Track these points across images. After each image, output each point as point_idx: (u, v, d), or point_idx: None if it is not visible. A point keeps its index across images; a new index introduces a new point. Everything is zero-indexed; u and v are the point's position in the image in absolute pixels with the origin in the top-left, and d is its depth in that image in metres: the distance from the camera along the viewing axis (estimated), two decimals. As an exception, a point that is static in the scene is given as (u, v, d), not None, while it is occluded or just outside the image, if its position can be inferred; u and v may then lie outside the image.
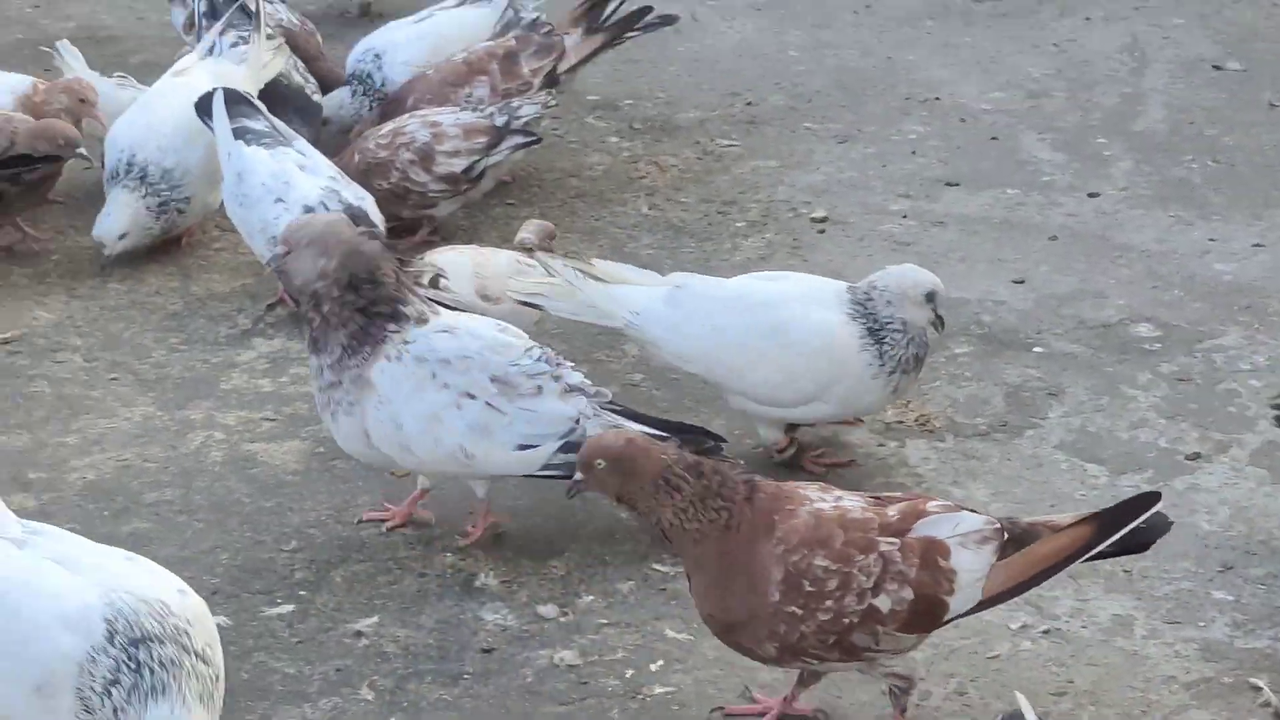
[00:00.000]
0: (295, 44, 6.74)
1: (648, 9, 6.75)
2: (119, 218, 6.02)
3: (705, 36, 7.77)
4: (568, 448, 4.58)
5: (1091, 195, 6.49)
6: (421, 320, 4.67)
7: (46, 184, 6.13)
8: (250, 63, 6.34)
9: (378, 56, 6.76)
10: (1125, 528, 4.00)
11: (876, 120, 7.06)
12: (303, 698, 4.28)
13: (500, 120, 6.25)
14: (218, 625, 4.37)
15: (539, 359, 4.70)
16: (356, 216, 5.73)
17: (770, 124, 7.04)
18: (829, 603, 3.94)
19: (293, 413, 5.36)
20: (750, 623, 3.96)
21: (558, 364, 4.73)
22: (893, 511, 4.02)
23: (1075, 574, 4.59)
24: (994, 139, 6.92)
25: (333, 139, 6.54)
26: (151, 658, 3.41)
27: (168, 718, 3.39)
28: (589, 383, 4.74)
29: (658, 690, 4.29)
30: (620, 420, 4.67)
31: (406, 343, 4.64)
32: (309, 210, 5.66)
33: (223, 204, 6.00)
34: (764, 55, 7.62)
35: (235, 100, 5.98)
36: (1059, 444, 5.16)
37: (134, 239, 6.06)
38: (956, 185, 6.59)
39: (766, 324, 4.95)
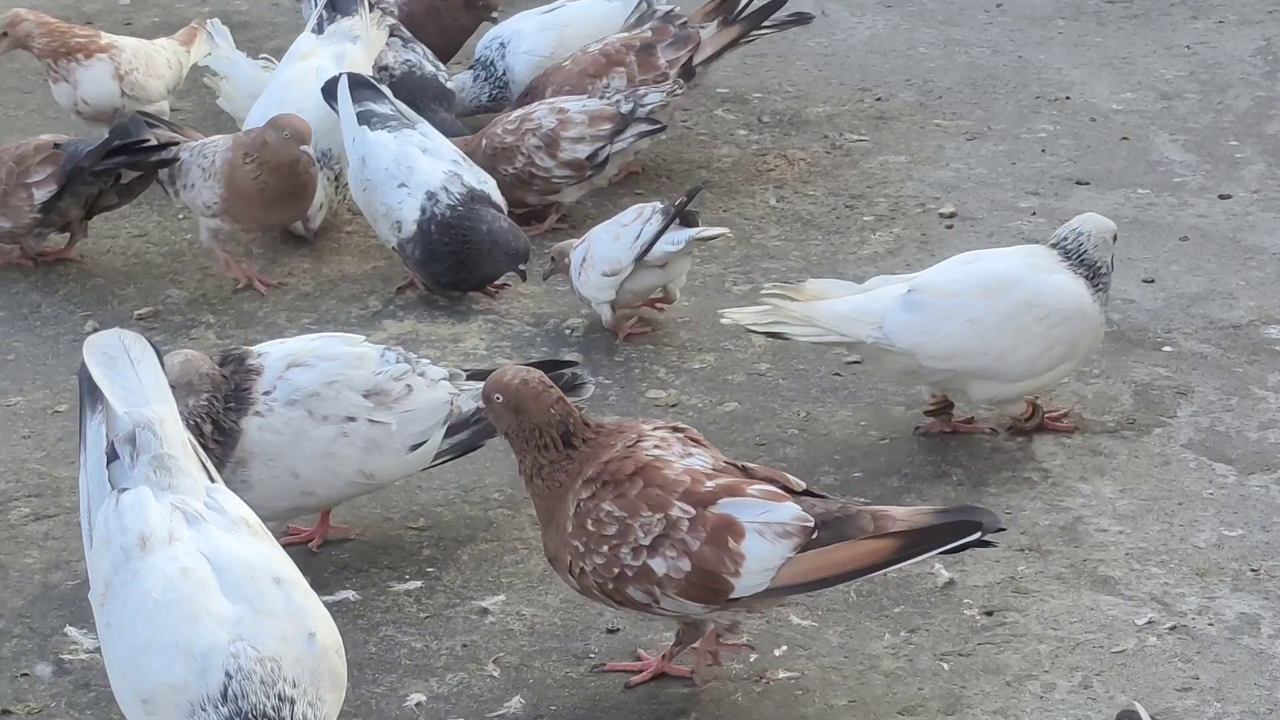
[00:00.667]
0: None
1: (782, 1, 6.77)
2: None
3: (835, 32, 7.77)
4: (450, 430, 4.63)
5: (1223, 197, 6.45)
6: (257, 371, 4.57)
7: (140, 185, 6.17)
8: (364, 40, 6.41)
9: (502, 45, 6.81)
10: (930, 551, 4.03)
11: (1007, 118, 7.04)
12: (429, 672, 4.32)
13: (626, 108, 6.29)
14: (345, 600, 4.50)
15: (396, 359, 4.65)
16: (480, 199, 5.79)
17: (900, 120, 7.04)
18: (605, 548, 4.04)
19: (422, 393, 5.40)
20: (557, 555, 4.12)
21: (408, 355, 4.69)
22: (714, 484, 4.04)
23: (1201, 571, 4.58)
24: (1125, 139, 6.89)
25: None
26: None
27: None
28: (441, 367, 4.73)
29: (781, 675, 4.30)
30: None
31: (268, 394, 4.53)
32: (431, 195, 5.74)
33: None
34: (894, 52, 7.61)
35: (359, 85, 6.04)
36: (1187, 443, 5.13)
37: (327, 210, 6.19)
38: (1086, 184, 6.57)
39: (1017, 302, 5.01)
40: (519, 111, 6.37)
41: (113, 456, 3.72)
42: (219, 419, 4.48)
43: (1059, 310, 5.01)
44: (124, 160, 5.99)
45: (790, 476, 4.17)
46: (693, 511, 4.02)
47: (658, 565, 4.02)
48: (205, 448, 4.36)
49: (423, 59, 6.63)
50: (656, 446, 4.13)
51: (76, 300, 5.89)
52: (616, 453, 4.11)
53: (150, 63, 6.60)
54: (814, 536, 4.01)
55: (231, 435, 4.49)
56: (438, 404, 4.62)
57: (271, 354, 4.59)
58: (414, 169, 5.83)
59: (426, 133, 5.99)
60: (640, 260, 5.55)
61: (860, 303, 5.03)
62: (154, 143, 5.93)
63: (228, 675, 3.44)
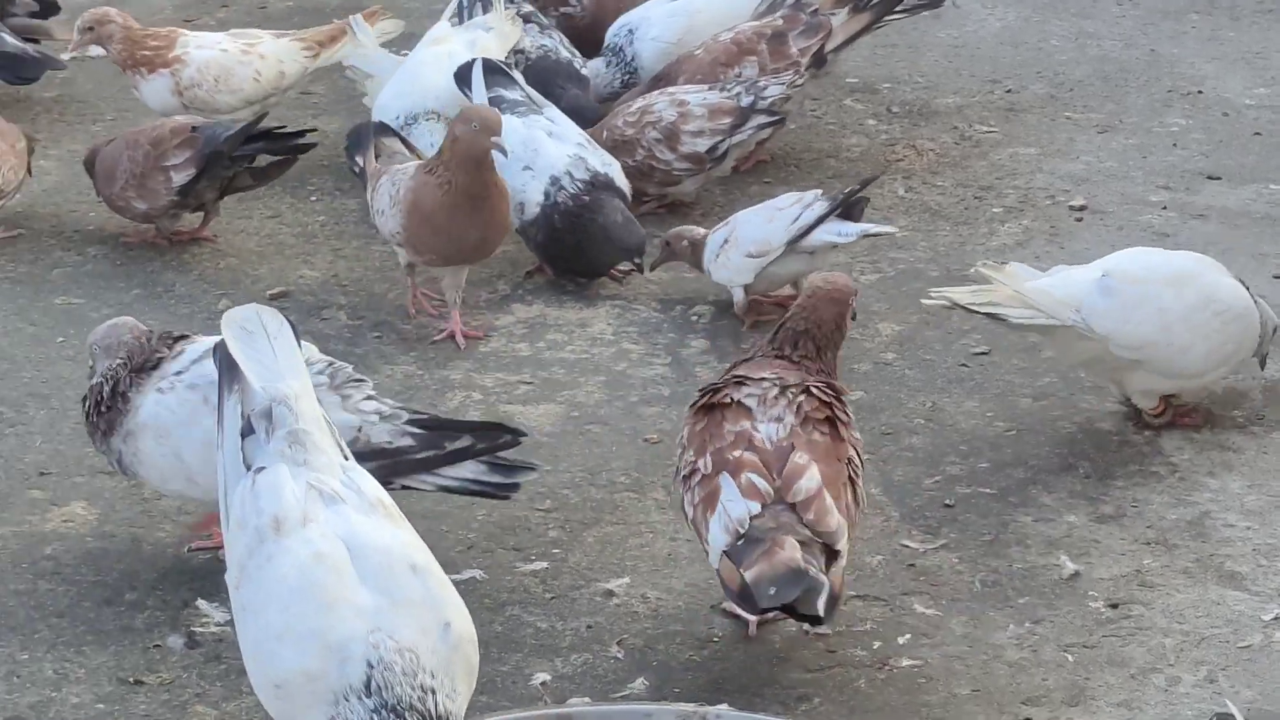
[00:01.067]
0: None
1: None
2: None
3: (966, 23, 7.74)
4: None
5: (1357, 193, 6.41)
6: (179, 352, 4.56)
7: (276, 169, 6.23)
8: (498, 29, 6.45)
9: (630, 32, 6.84)
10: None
11: (1138, 111, 7.00)
12: (554, 652, 4.36)
13: (746, 101, 6.29)
14: (473, 579, 4.55)
15: (320, 371, 4.50)
16: (603, 183, 5.82)
17: (1030, 112, 7.01)
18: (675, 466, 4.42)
19: (549, 377, 5.45)
20: None
21: (347, 379, 4.55)
22: (738, 454, 4.19)
23: (1331, 569, 4.56)
24: (1258, 134, 6.83)
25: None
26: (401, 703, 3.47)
27: None
28: (381, 402, 4.58)
29: (905, 663, 4.31)
30: (416, 431, 4.54)
31: (179, 373, 4.50)
32: (555, 180, 5.79)
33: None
34: (1025, 44, 7.58)
35: (492, 70, 6.08)
36: (1317, 440, 5.11)
37: None
38: (1218, 179, 6.52)
39: (1199, 296, 5.03)
40: (639, 103, 6.38)
41: (248, 431, 3.75)
42: (120, 384, 4.51)
43: (1234, 308, 5.03)
44: (263, 146, 6.06)
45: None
46: (709, 470, 4.18)
47: (686, 502, 4.25)
48: (99, 411, 4.53)
49: (558, 45, 6.66)
50: (753, 396, 4.26)
51: (210, 280, 5.97)
52: (726, 382, 4.33)
53: (225, 76, 6.53)
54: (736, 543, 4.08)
55: (128, 404, 4.51)
56: (342, 425, 4.35)
57: (205, 343, 4.54)
58: (539, 152, 5.86)
59: (554, 117, 6.02)
60: (793, 244, 5.55)
61: (1058, 285, 5.02)
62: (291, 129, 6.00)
63: (369, 666, 3.46)
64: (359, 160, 5.90)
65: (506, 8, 6.57)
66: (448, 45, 6.41)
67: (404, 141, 6.00)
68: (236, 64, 6.55)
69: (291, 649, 3.52)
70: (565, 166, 5.84)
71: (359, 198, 6.33)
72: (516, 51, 6.58)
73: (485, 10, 6.59)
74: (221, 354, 3.90)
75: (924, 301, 5.18)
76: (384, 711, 3.45)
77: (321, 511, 3.65)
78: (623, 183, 5.93)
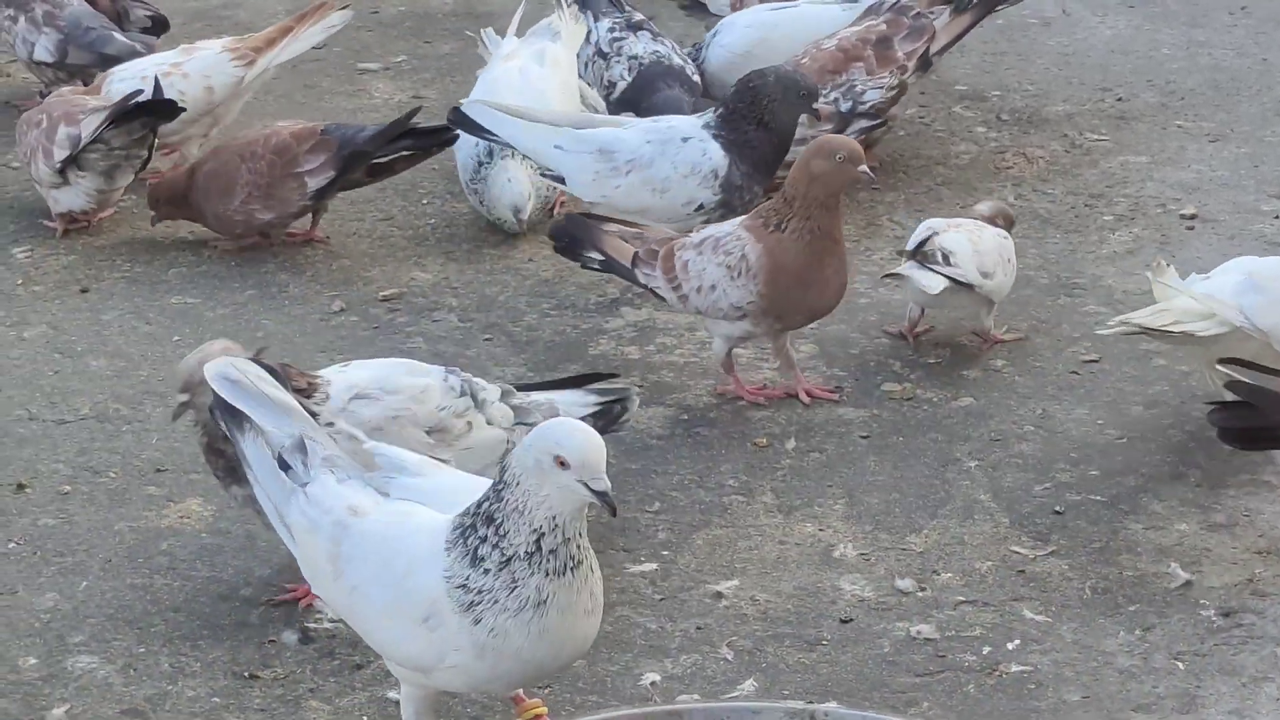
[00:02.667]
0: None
1: None
2: (522, 182, 6.13)
3: (1076, 31, 7.72)
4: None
5: None
6: (322, 398, 4.47)
7: (402, 164, 6.27)
8: (564, 36, 6.46)
9: (715, 33, 6.88)
10: None
11: (1250, 120, 6.96)
12: (664, 653, 4.38)
13: (845, 106, 6.30)
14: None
15: (459, 391, 4.51)
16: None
17: (1141, 120, 6.99)
18: None
19: (658, 380, 5.47)
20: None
21: (471, 383, 4.56)
22: None
23: None
24: (1371, 144, 6.80)
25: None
26: (481, 500, 3.60)
27: (519, 448, 3.57)
28: (497, 386, 4.60)
29: (1014, 669, 4.31)
30: (538, 396, 4.67)
31: (328, 425, 4.31)
32: (709, 127, 5.75)
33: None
34: (1135, 52, 7.55)
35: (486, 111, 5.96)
36: None
37: (536, 201, 6.20)
38: (1331, 189, 6.50)
39: None
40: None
41: (285, 466, 3.83)
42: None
43: None
44: (410, 144, 6.12)
45: None
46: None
47: None
48: (218, 453, 4.45)
49: (671, 52, 6.68)
50: None
51: (323, 281, 6.02)
52: None
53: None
54: None
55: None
56: (495, 442, 4.51)
57: (335, 383, 4.50)
58: (673, 124, 5.83)
59: (622, 120, 6.01)
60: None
61: (1213, 289, 5.04)
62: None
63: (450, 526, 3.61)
64: (594, 254, 5.46)
65: (568, 6, 6.58)
66: (517, 61, 6.43)
67: (615, 220, 5.55)
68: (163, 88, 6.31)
69: (416, 573, 3.60)
70: (699, 118, 5.83)
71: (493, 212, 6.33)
72: (631, 57, 6.62)
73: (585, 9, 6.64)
74: (219, 404, 3.92)
75: (1103, 332, 5.18)
76: (461, 526, 3.60)
77: (383, 500, 3.76)
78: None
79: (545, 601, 3.53)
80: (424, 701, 3.77)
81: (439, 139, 6.15)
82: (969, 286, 5.36)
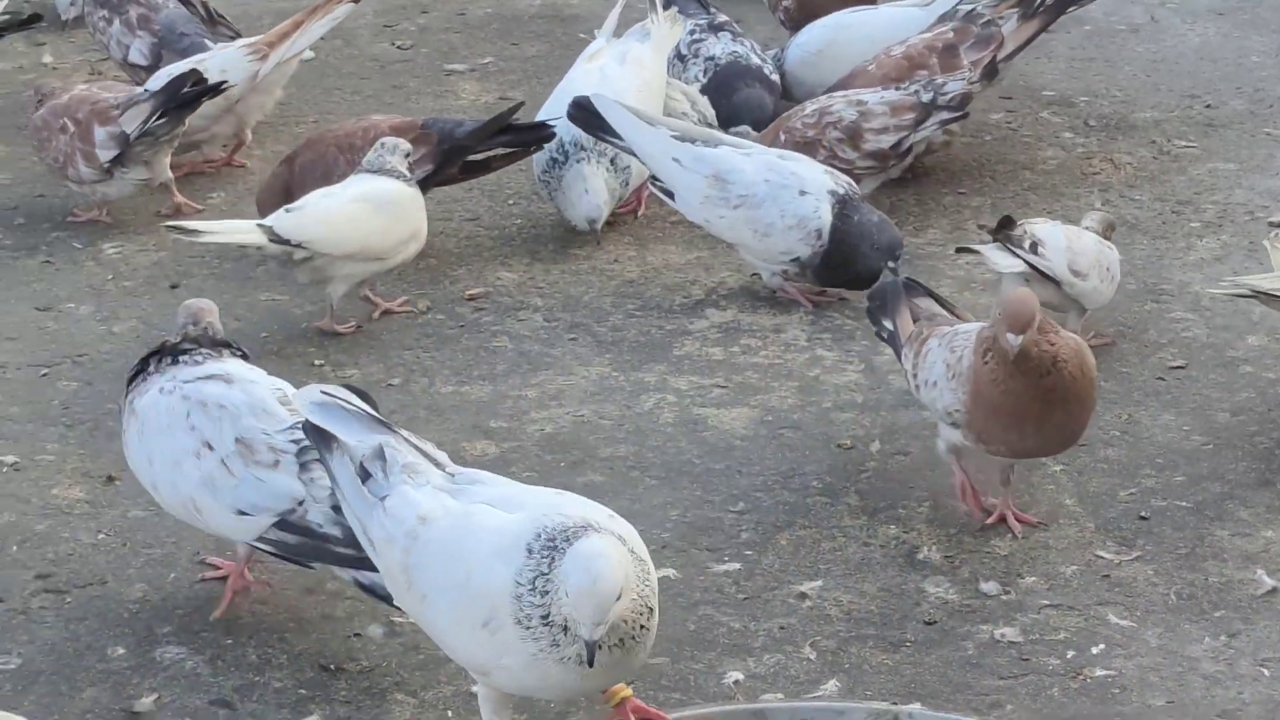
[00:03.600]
0: None
1: None
2: (598, 190, 6.14)
3: (1164, 38, 7.69)
4: (284, 525, 4.33)
5: None
6: (203, 360, 4.55)
7: (497, 164, 6.34)
8: (654, 38, 6.47)
9: (796, 35, 6.92)
10: None
11: (1341, 128, 6.94)
12: (747, 652, 4.39)
13: (926, 97, 6.30)
14: (666, 577, 4.59)
15: (293, 440, 4.34)
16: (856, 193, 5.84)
17: (1230, 127, 6.95)
18: None
19: (742, 381, 5.48)
20: None
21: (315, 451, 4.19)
22: None
23: None
24: None
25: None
26: (570, 534, 3.62)
27: (578, 545, 3.58)
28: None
29: (1099, 673, 4.30)
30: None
31: (185, 382, 4.47)
32: (833, 193, 5.77)
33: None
34: (1224, 59, 7.51)
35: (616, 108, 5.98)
36: None
37: (610, 206, 6.22)
38: None
39: None
40: (814, 105, 6.38)
41: (365, 476, 3.88)
42: (148, 365, 4.58)
43: None
44: (509, 139, 6.17)
45: None
46: None
47: None
48: (131, 376, 4.61)
49: (750, 52, 6.71)
50: None
51: (410, 279, 6.05)
52: None
53: None
54: None
55: (140, 386, 4.57)
56: (281, 494, 4.34)
57: (230, 366, 4.55)
58: (801, 175, 5.82)
59: (741, 143, 6.00)
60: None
61: None
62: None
63: (535, 535, 3.63)
64: (887, 324, 5.04)
65: (664, 7, 6.59)
66: (599, 61, 6.44)
67: (938, 299, 5.10)
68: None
69: (479, 582, 3.64)
70: (832, 181, 5.82)
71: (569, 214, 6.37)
72: (707, 59, 6.63)
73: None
74: (309, 427, 4.00)
75: (1213, 291, 5.20)
76: (549, 544, 3.61)
77: (454, 501, 3.80)
78: (856, 188, 5.93)
79: (585, 661, 3.60)
80: (500, 699, 3.81)
81: (536, 136, 6.18)
82: (1055, 282, 5.34)
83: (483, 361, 5.62)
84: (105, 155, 6.27)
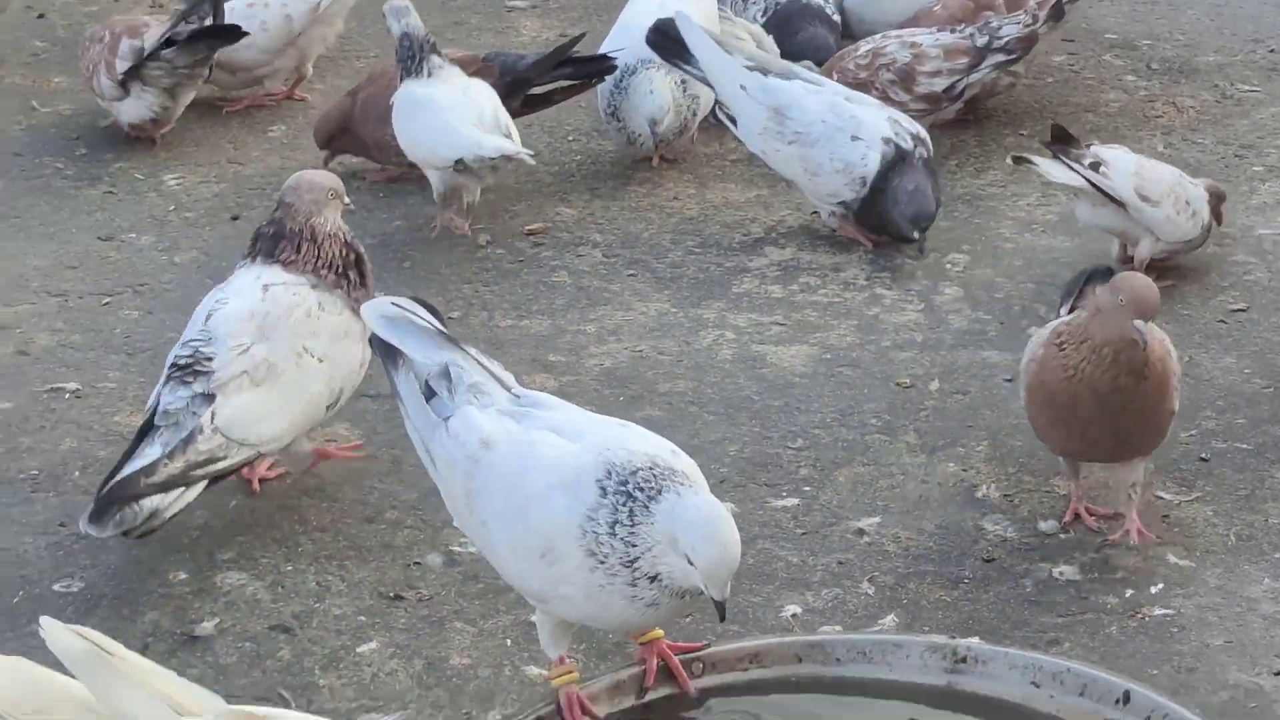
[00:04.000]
0: None
1: None
2: (663, 94, 6.11)
3: (1228, -18, 7.65)
4: None
5: None
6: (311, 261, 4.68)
7: (559, 97, 6.35)
8: None
9: None
10: None
11: (1406, 73, 6.88)
12: (805, 586, 4.40)
13: (981, 40, 6.27)
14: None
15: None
16: (920, 141, 5.78)
17: (1293, 71, 6.92)
18: None
19: (801, 319, 5.47)
20: None
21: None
22: None
23: None
24: None
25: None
26: (641, 480, 3.57)
27: (675, 504, 3.54)
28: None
29: (1157, 612, 4.29)
30: None
31: (296, 282, 4.66)
32: (888, 142, 5.72)
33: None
34: (1289, 4, 7.48)
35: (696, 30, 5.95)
36: None
37: (674, 117, 6.18)
38: None
39: None
40: (868, 45, 6.36)
41: (430, 395, 3.85)
42: (265, 238, 4.66)
43: None
44: (571, 72, 6.18)
45: None
46: None
47: None
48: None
49: (810, -13, 6.69)
50: None
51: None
52: None
53: None
54: None
55: (261, 268, 4.66)
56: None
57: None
58: (859, 119, 5.78)
59: (815, 77, 5.96)
60: None
61: None
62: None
63: (606, 473, 3.59)
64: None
65: None
66: None
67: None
68: (242, 19, 6.48)
69: (537, 512, 3.62)
70: (891, 130, 5.76)
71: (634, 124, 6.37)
72: (769, -3, 6.62)
73: None
74: (376, 342, 3.98)
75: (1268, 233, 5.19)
76: (623, 487, 3.56)
77: (517, 426, 3.76)
78: (928, 139, 5.84)
79: (657, 604, 3.58)
80: (559, 627, 3.80)
81: (597, 68, 6.19)
82: (1120, 205, 5.31)
83: (542, 296, 5.63)
84: (121, 67, 6.32)
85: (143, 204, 6.19)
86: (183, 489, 4.36)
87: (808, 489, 4.74)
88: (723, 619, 3.59)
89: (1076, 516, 4.57)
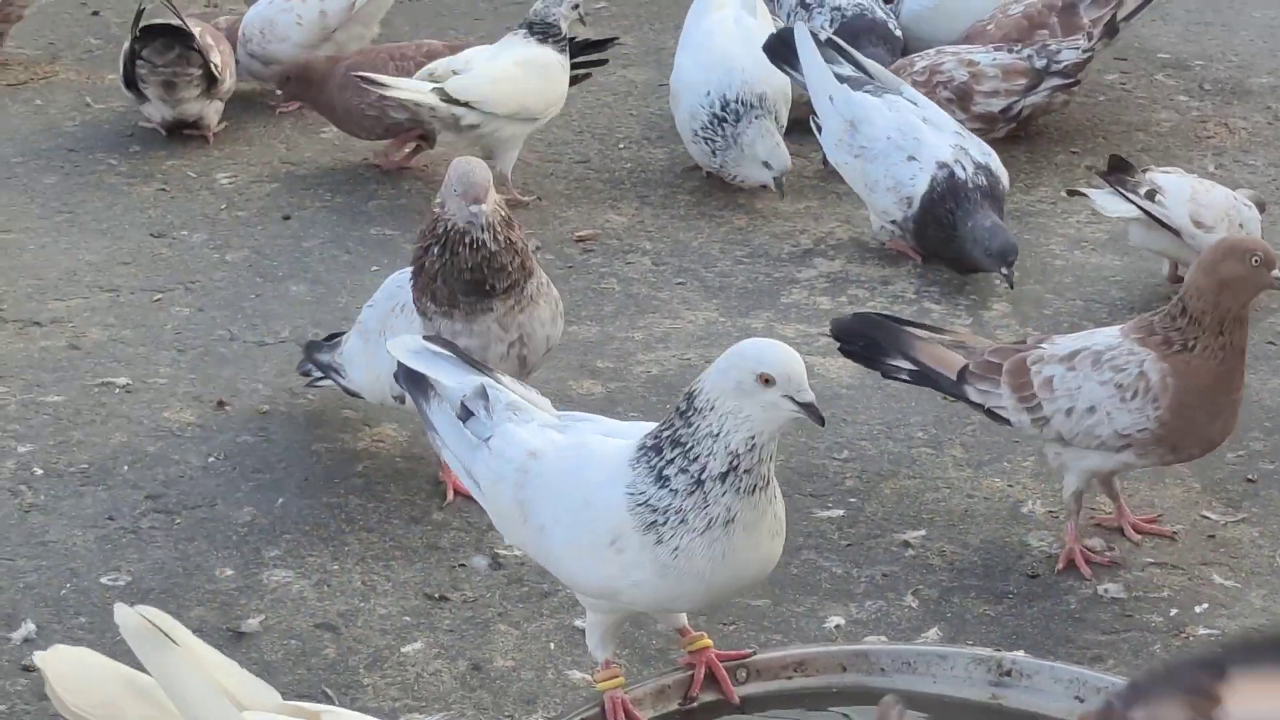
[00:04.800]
0: None
1: None
2: (781, 144, 6.13)
3: (1282, 4, 7.65)
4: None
5: None
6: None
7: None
8: None
9: None
10: None
11: None
12: (849, 597, 4.40)
13: (1040, 63, 6.27)
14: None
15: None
16: (985, 170, 5.75)
17: (1347, 94, 6.91)
18: None
19: (849, 331, 5.48)
20: None
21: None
22: None
23: None
24: None
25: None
26: (662, 429, 3.62)
27: (723, 361, 3.57)
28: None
29: (1201, 631, 4.28)
30: None
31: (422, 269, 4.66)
32: (942, 166, 5.69)
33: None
34: (1343, 27, 7.46)
35: (814, 41, 5.95)
36: None
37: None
38: None
39: None
40: (924, 62, 6.37)
41: (467, 415, 3.85)
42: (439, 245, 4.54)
43: None
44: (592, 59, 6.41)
45: None
46: None
47: None
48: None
49: (874, 4, 6.69)
50: None
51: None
52: None
53: (269, 26, 6.81)
54: None
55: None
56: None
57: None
58: (921, 140, 5.77)
59: (915, 98, 5.91)
60: None
61: None
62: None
63: (634, 451, 3.63)
64: (902, 363, 4.63)
65: None
66: (730, 10, 6.40)
67: (921, 325, 4.74)
68: (279, 13, 6.73)
69: (597, 497, 3.62)
70: (952, 155, 5.72)
71: (665, 146, 6.44)
72: (833, 9, 6.62)
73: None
74: (403, 372, 3.96)
75: None
76: (651, 449, 3.59)
77: (562, 436, 3.77)
78: (1001, 170, 5.79)
79: (733, 520, 3.54)
80: (608, 630, 3.80)
81: (594, 55, 6.44)
82: (1175, 232, 5.31)
83: (590, 302, 5.65)
84: (121, 71, 6.55)
85: (195, 201, 6.23)
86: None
87: (853, 500, 4.75)
88: (821, 422, 3.56)
89: (1070, 563, 4.46)
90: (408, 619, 4.32)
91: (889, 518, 4.68)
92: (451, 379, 3.89)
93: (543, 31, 6.12)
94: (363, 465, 4.86)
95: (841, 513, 4.70)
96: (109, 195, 6.29)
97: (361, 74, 5.98)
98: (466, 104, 5.95)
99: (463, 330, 4.49)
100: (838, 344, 4.68)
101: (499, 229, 4.48)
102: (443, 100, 5.94)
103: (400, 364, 3.95)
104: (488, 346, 4.50)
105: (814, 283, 5.75)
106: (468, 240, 4.46)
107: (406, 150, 6.41)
